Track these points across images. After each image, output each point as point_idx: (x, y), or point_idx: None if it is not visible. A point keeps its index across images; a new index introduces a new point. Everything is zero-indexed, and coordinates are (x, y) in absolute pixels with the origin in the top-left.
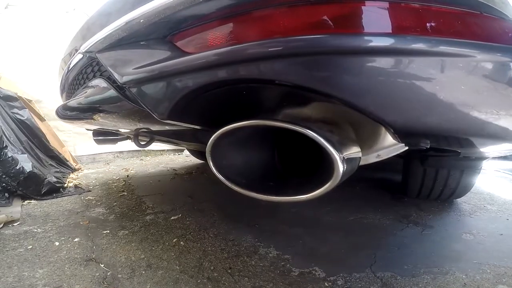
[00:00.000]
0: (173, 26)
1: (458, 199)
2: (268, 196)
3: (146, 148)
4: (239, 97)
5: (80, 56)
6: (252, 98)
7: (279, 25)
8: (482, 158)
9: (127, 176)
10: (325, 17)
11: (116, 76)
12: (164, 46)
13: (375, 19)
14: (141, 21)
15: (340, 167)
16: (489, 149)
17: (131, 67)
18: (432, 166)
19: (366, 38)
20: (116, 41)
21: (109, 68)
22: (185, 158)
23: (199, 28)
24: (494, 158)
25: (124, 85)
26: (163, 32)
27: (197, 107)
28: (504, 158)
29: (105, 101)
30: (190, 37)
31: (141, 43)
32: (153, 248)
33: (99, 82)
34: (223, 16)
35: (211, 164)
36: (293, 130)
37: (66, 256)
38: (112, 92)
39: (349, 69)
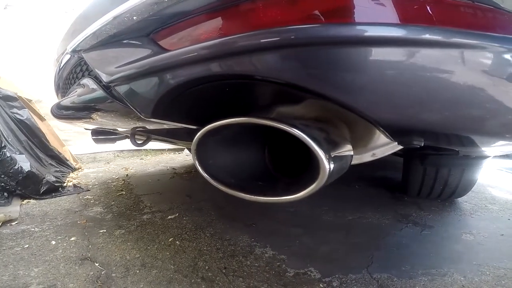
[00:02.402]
0: (152, 23)
1: (459, 199)
2: (256, 197)
3: (146, 147)
4: (224, 95)
5: (69, 55)
6: (239, 95)
7: (261, 17)
8: (483, 156)
9: (127, 175)
10: (306, 7)
11: (101, 75)
12: (144, 44)
13: (361, 8)
14: (122, 19)
15: (326, 166)
16: (486, 148)
17: (114, 65)
18: (432, 165)
19: (352, 28)
20: (99, 40)
21: (94, 67)
22: (185, 157)
23: (179, 24)
24: (496, 156)
25: (109, 84)
26: (144, 29)
27: (181, 105)
28: (506, 156)
29: (95, 100)
30: (170, 33)
31: (122, 41)
32: (149, 248)
33: (87, 82)
34: (203, 11)
35: (196, 163)
36: (277, 128)
37: (62, 255)
38: (100, 91)
39: (333, 63)
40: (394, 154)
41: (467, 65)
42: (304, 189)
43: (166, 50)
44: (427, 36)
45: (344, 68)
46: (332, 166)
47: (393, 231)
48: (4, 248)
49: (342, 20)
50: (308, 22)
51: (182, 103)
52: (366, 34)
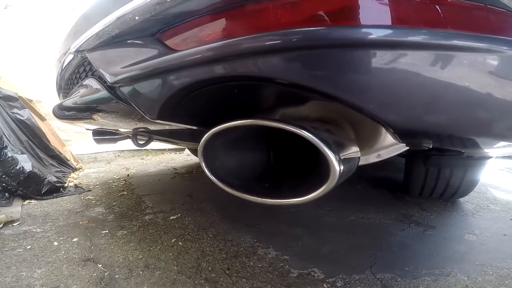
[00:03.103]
0: (158, 23)
1: (461, 199)
2: (263, 199)
3: (147, 147)
4: (230, 96)
5: (72, 55)
6: (245, 96)
7: (271, 18)
8: (486, 157)
9: (128, 175)
10: (319, 9)
11: (106, 75)
12: (150, 44)
13: (373, 10)
14: (127, 19)
15: (337, 168)
16: (494, 149)
17: (119, 66)
18: (434, 165)
19: (363, 30)
20: (104, 40)
21: (98, 67)
22: (185, 157)
23: (185, 25)
24: (498, 157)
25: (114, 85)
26: (150, 29)
27: (188, 107)
28: (509, 157)
29: (99, 101)
30: (176, 34)
31: (128, 41)
32: (151, 248)
33: (91, 82)
34: (212, 11)
35: (203, 165)
36: (287, 130)
37: (65, 256)
38: (104, 92)
39: (345, 64)
40: (397, 154)
41: (479, 68)
42: (314, 191)
43: (174, 51)
44: (438, 39)
45: (357, 70)
46: (342, 168)
47: (395, 231)
48: (6, 249)
49: (356, 22)
50: (323, 24)
51: (189, 105)
52: (380, 36)
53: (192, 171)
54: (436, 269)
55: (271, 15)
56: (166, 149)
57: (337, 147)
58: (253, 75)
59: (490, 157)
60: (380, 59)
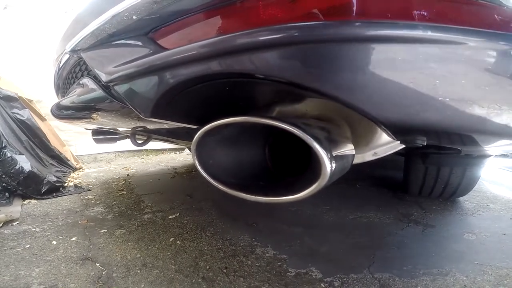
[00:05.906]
0: (151, 22)
1: (461, 198)
2: (257, 197)
3: (147, 147)
4: (223, 94)
5: (68, 55)
6: (239, 94)
7: (261, 15)
8: (485, 155)
9: (127, 175)
10: (310, 4)
11: (100, 74)
12: (143, 42)
13: (364, 4)
14: (121, 18)
15: (328, 166)
16: (491, 147)
17: (112, 64)
18: (433, 164)
19: (355, 25)
20: (98, 39)
21: (92, 67)
22: (185, 157)
23: (178, 23)
24: (498, 155)
25: (108, 84)
26: (142, 28)
27: (182, 105)
28: (509, 155)
29: (94, 100)
30: (168, 32)
31: (122, 40)
32: (150, 247)
33: (87, 81)
34: (202, 9)
35: (196, 163)
36: (277, 127)
37: (63, 255)
38: (99, 91)
39: (334, 60)
40: (395, 153)
41: (470, 62)
42: (306, 189)
43: (165, 49)
44: (430, 33)
45: (347, 66)
46: (333, 165)
47: (394, 231)
48: (6, 248)
49: (345, 17)
50: (311, 20)
51: (182, 103)
52: (370, 32)
53: (192, 171)
54: (435, 269)
55: (262, 11)
56: (166, 149)
57: (329, 144)
58: (245, 72)
59: (490, 156)
60: (370, 55)
